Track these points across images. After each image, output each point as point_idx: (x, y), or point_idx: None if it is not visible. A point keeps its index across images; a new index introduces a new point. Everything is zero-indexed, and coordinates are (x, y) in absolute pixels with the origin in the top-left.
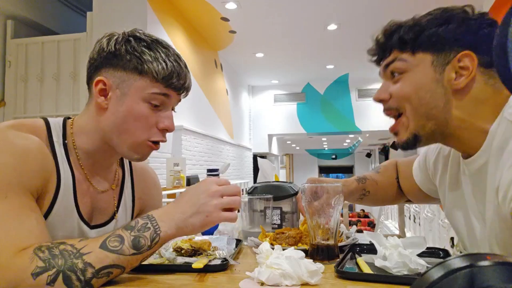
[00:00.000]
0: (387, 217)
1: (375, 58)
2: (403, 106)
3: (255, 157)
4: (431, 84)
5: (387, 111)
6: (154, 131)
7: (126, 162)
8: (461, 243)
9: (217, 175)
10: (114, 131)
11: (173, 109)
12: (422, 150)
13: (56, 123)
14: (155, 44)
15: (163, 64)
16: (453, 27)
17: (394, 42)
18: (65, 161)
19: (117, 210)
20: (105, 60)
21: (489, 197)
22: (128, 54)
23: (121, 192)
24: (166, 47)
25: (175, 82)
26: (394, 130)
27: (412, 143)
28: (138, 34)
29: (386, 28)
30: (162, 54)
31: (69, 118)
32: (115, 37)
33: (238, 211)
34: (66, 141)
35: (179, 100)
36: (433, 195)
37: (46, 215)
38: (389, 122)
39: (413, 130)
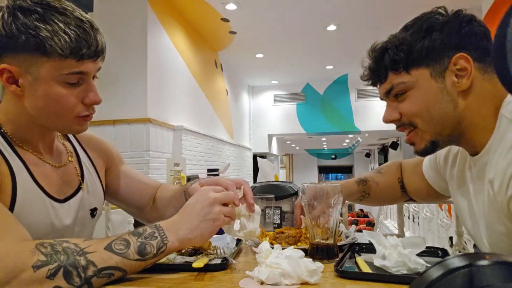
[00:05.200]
0: (386, 217)
1: (370, 82)
2: (415, 122)
3: (255, 157)
4: (437, 95)
5: (401, 128)
6: (81, 107)
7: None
8: (470, 236)
9: (217, 175)
10: (41, 115)
11: (95, 77)
12: None
13: None
14: (48, 13)
15: (65, 37)
16: (437, 35)
17: (387, 65)
18: (8, 149)
19: (82, 179)
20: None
21: (484, 190)
22: (22, 34)
23: (79, 161)
24: (62, 12)
25: (86, 52)
26: (410, 141)
27: (431, 149)
28: (25, 5)
29: (375, 54)
30: (60, 24)
31: None
32: None
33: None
34: (2, 130)
35: (98, 68)
36: (443, 192)
37: (12, 204)
38: None
39: (431, 138)
